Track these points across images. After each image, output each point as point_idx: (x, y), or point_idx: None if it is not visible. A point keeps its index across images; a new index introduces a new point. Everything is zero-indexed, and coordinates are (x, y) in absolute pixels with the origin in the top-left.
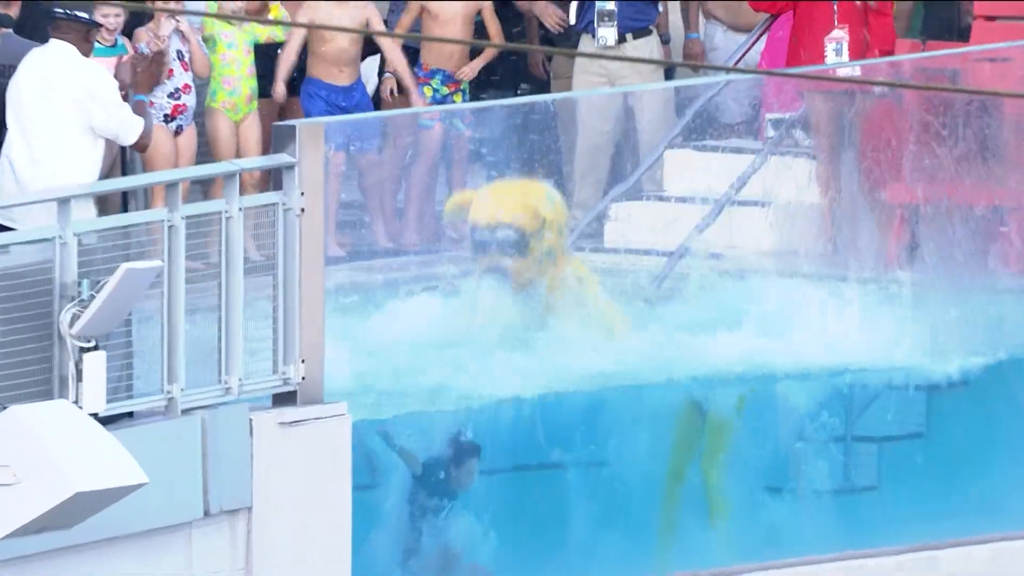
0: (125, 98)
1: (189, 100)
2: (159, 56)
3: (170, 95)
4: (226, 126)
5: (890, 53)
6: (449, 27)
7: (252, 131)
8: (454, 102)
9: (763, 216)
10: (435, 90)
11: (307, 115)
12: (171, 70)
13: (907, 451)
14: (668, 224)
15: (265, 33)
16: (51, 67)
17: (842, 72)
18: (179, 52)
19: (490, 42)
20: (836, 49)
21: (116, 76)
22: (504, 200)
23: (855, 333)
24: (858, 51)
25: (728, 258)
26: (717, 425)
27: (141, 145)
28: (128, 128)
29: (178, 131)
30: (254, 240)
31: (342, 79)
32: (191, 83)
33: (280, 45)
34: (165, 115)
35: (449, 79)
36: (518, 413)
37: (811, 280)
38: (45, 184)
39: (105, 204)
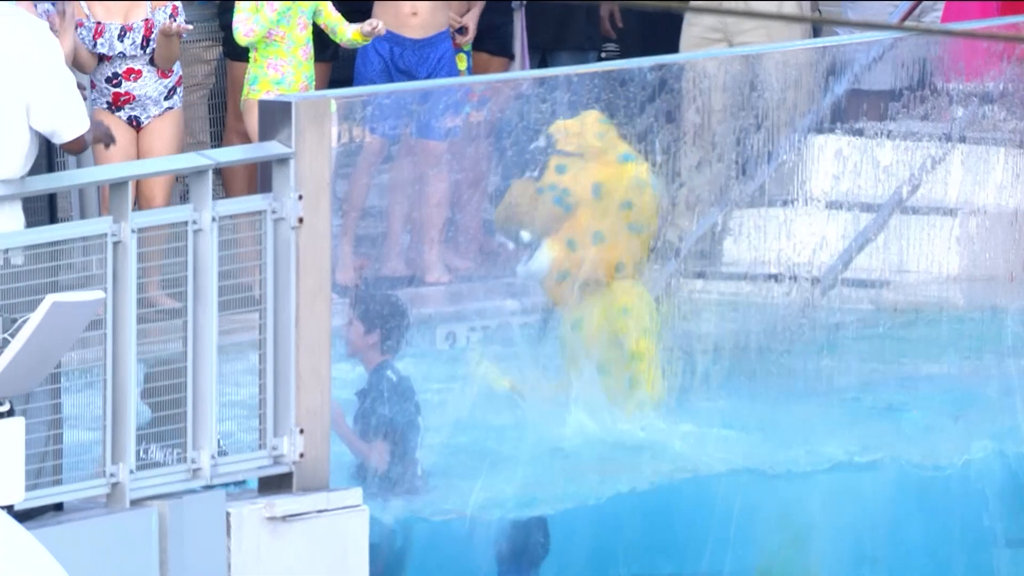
0: None
1: (141, 89)
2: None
3: (108, 80)
4: None
5: None
6: None
7: None
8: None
9: (947, 229)
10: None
11: (359, 80)
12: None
13: None
14: (812, 240)
15: (326, 18)
16: None
17: None
18: (121, 28)
19: None
20: None
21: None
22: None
23: None
24: None
25: (896, 287)
26: None
27: (75, 147)
28: (72, 122)
29: (133, 124)
30: (234, 262)
31: (413, 29)
32: (144, 69)
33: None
34: (107, 103)
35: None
36: None
37: (1021, 321)
38: None
39: (25, 213)
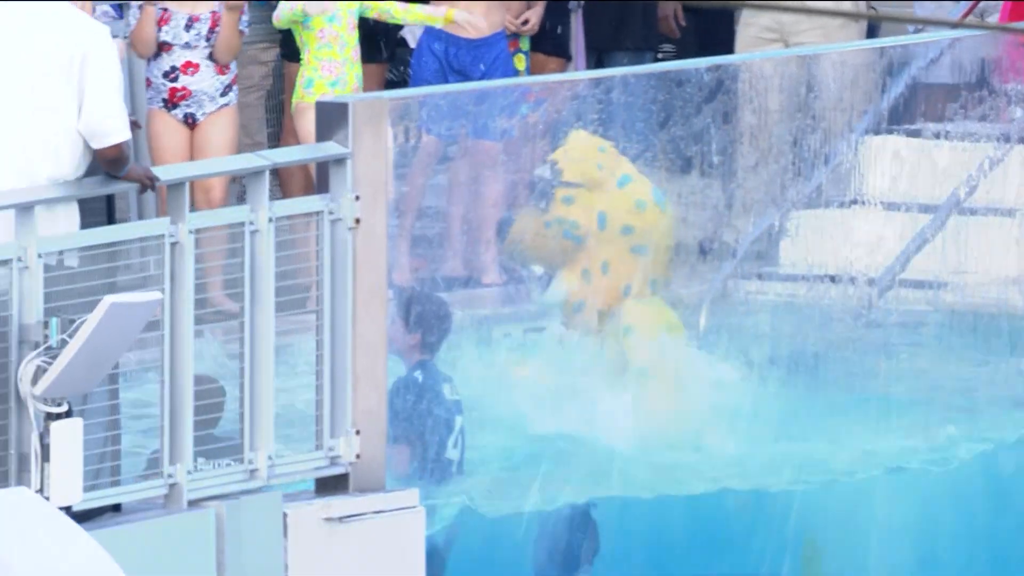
0: None
1: (198, 84)
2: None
3: (165, 75)
4: None
5: None
6: None
7: None
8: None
9: (1006, 230)
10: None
11: (415, 81)
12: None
13: None
14: (870, 241)
15: (376, 8)
16: (38, 18)
17: None
18: (189, 18)
19: None
20: None
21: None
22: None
23: None
24: None
25: (954, 288)
26: None
27: (110, 154)
28: (112, 128)
29: (190, 122)
30: (290, 263)
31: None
32: (202, 63)
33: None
34: (163, 100)
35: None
36: None
37: None
38: (4, 184)
39: (83, 213)
